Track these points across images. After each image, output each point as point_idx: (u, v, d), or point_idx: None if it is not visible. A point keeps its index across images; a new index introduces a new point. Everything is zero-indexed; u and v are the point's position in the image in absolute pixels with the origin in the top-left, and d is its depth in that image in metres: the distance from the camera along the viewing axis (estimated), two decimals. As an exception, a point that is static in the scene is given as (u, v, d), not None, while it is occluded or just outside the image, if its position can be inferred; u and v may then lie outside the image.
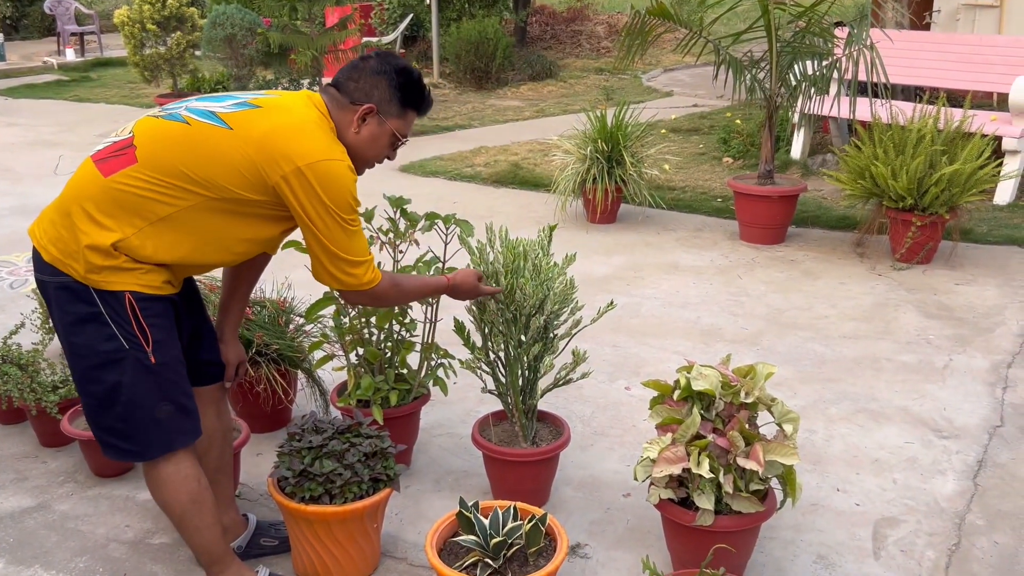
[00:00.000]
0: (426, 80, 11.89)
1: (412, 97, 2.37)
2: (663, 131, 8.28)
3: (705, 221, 6.18)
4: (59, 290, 2.19)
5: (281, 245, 2.45)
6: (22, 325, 3.67)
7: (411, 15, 11.97)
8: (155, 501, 2.36)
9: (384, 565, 2.66)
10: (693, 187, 6.91)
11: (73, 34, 14.78)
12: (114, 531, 2.83)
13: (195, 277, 2.57)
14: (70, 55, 14.35)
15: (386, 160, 2.45)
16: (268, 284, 3.80)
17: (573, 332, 2.83)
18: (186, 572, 2.63)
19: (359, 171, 2.34)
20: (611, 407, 3.61)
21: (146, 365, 2.20)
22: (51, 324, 3.89)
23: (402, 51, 11.76)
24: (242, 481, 3.03)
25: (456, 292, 2.68)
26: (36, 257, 2.23)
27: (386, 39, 11.13)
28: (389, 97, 2.32)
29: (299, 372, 3.39)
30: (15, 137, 9.15)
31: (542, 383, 2.88)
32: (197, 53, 9.21)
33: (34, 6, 17.02)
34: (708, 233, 5.91)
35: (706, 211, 6.36)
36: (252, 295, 3.47)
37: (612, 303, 2.90)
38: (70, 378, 3.28)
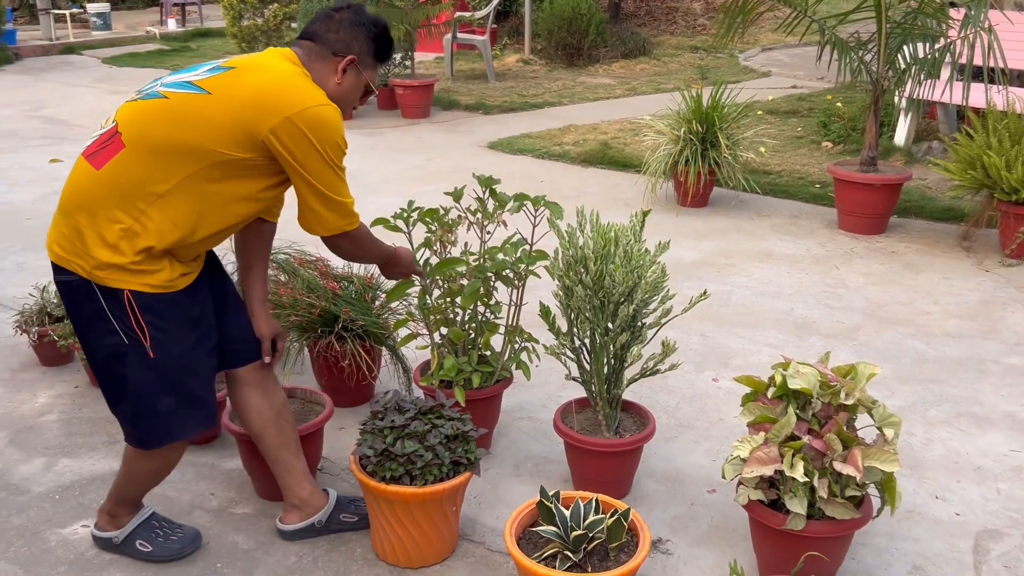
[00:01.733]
0: (517, 56, 11.82)
1: (385, 50, 2.44)
2: (760, 113, 8.04)
3: (801, 208, 5.97)
4: (68, 288, 2.26)
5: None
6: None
7: (505, -10, 11.89)
8: (127, 450, 2.47)
9: (461, 548, 2.64)
10: (790, 172, 6.69)
11: (175, 4, 15.15)
12: (199, 498, 2.88)
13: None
14: (171, 25, 14.72)
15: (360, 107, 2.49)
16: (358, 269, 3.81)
17: (663, 322, 2.74)
18: (267, 544, 2.65)
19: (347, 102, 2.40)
20: (697, 398, 3.51)
21: (146, 361, 2.26)
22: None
23: (494, 26, 11.68)
24: (324, 455, 3.04)
25: (393, 265, 2.72)
26: (51, 262, 2.30)
27: (479, 13, 11.06)
28: (367, 49, 2.38)
29: (383, 349, 3.39)
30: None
31: (628, 372, 2.81)
32: (293, 25, 9.31)
33: (140, -23, 17.50)
34: (804, 220, 5.71)
35: (803, 197, 6.14)
36: (341, 269, 3.50)
37: (705, 293, 2.80)
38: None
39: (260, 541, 2.67)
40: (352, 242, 2.46)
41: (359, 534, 2.68)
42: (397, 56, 9.15)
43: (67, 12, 13.91)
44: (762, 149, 6.26)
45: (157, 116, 2.19)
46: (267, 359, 2.62)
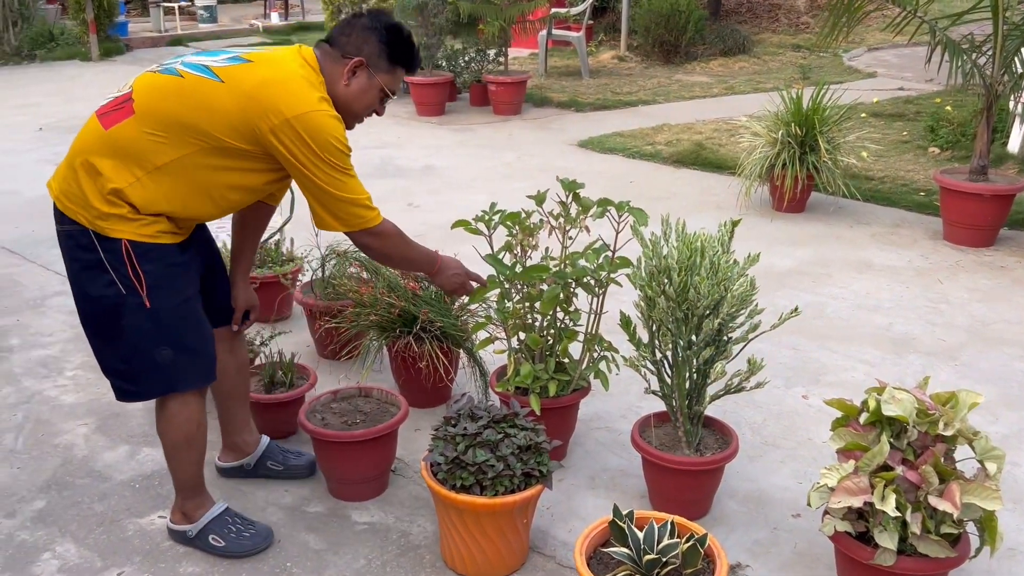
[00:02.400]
0: (612, 53, 11.68)
1: (400, 53, 2.45)
2: (863, 115, 7.72)
3: (904, 216, 5.70)
4: (67, 238, 2.35)
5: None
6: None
7: (602, -14, 11.76)
8: (156, 428, 2.54)
9: (532, 561, 2.58)
10: (893, 178, 6.40)
11: (278, -1, 15.50)
12: (273, 495, 2.89)
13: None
14: (274, 18, 15.06)
15: (380, 111, 2.50)
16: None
17: (750, 337, 2.62)
18: (337, 545, 2.64)
19: (348, 124, 2.42)
20: (785, 416, 3.36)
21: (143, 310, 2.33)
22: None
23: (590, 23, 11.56)
24: (398, 457, 3.02)
25: (440, 272, 2.71)
26: (54, 208, 2.38)
27: (574, 10, 10.95)
28: (378, 52, 2.41)
29: (461, 351, 3.35)
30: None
31: (711, 388, 2.69)
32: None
33: (246, -29, 17.94)
34: (907, 230, 5.45)
35: (906, 205, 5.86)
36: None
37: (796, 309, 2.67)
38: (244, 338, 3.39)
39: (330, 542, 2.66)
40: (379, 240, 2.48)
41: (430, 541, 2.65)
42: (491, 52, 9.14)
43: (176, 5, 14.37)
44: (864, 154, 6.00)
45: (169, 92, 2.29)
46: (235, 327, 2.79)
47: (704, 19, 11.51)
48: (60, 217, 2.36)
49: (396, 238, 2.53)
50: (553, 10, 10.30)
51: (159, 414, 2.52)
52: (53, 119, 8.48)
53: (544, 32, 10.23)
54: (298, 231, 4.18)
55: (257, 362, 3.35)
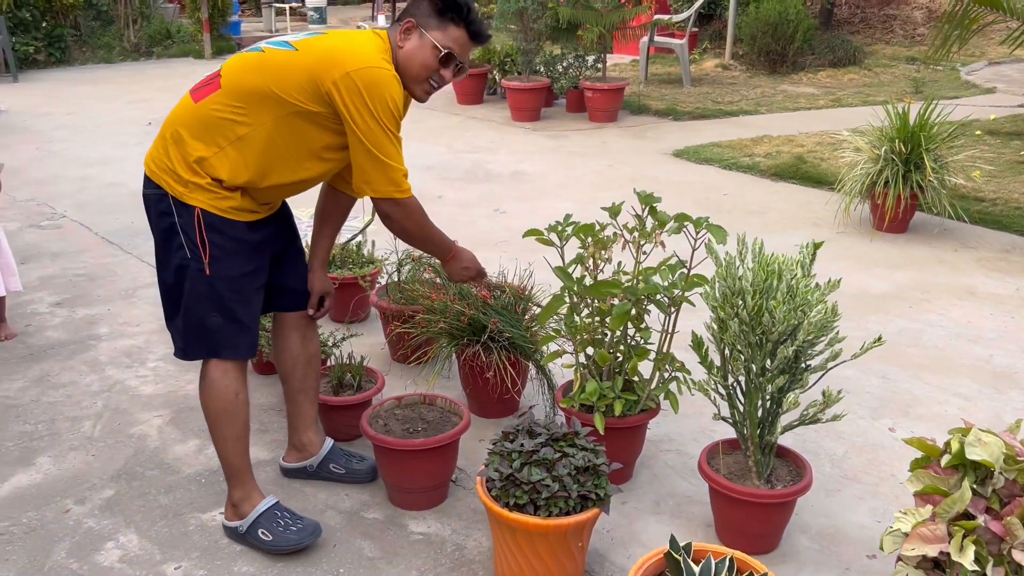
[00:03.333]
0: (716, 61, 11.46)
1: (448, 6, 2.48)
2: (977, 133, 7.34)
3: (1015, 241, 5.37)
4: (152, 201, 2.51)
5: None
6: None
7: (708, -7, 11.53)
8: (199, 399, 2.64)
9: (586, 585, 2.50)
10: (1006, 200, 6.03)
11: (387, 0, 15.74)
12: (333, 498, 2.88)
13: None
14: (381, 21, 15.32)
15: (449, 84, 2.64)
16: (511, 268, 3.73)
17: (828, 366, 2.48)
18: (392, 554, 2.61)
19: (414, 92, 2.54)
20: (869, 449, 3.18)
21: (203, 276, 2.48)
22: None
23: (694, 30, 11.34)
24: (460, 467, 2.98)
25: (454, 261, 2.82)
26: (143, 175, 2.55)
27: (679, 17, 10.77)
28: (428, 11, 2.49)
29: (530, 363, 3.28)
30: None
31: (785, 417, 2.56)
32: (492, 22, 9.40)
33: (357, -26, 18.33)
34: (1017, 256, 5.12)
35: (1018, 229, 5.52)
36: (493, 278, 3.43)
37: (880, 339, 2.51)
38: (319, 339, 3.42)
39: (385, 550, 2.64)
40: (403, 212, 2.57)
41: (483, 557, 2.60)
42: (590, 58, 9.06)
43: (287, 6, 14.77)
44: (976, 173, 5.67)
45: (252, 66, 2.46)
46: (311, 311, 2.87)
47: (813, 28, 11.16)
48: (147, 182, 2.53)
49: (418, 214, 2.62)
50: (656, 17, 10.15)
51: (201, 383, 2.62)
52: (162, 114, 8.79)
53: (646, 39, 10.08)
54: (380, 234, 4.20)
55: (329, 363, 3.36)
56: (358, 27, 14.92)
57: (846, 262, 4.93)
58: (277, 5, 14.50)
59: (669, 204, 2.95)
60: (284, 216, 2.77)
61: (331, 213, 2.92)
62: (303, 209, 3.64)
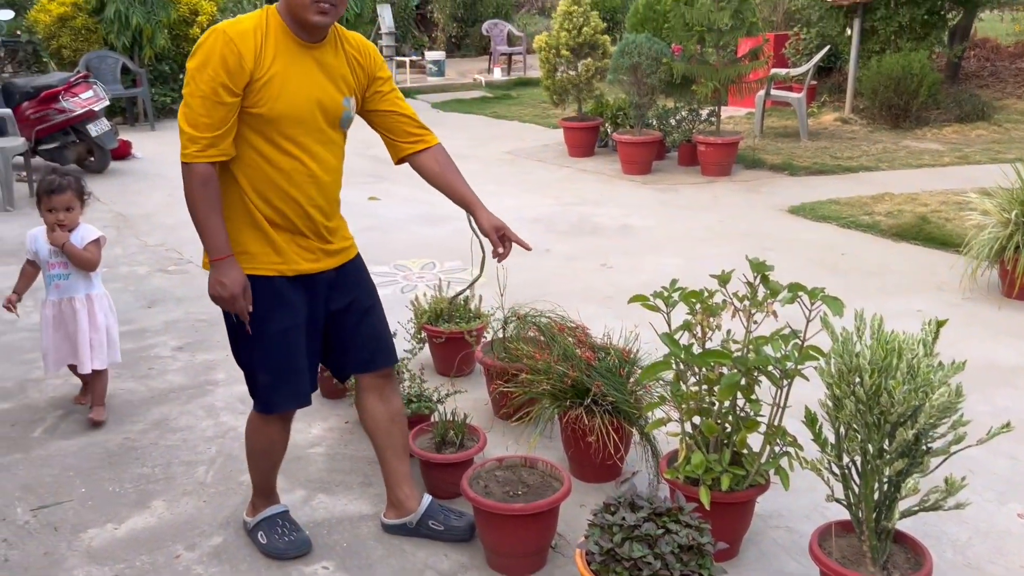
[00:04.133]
0: (835, 115, 11.19)
1: None
2: (1120, 194, 6.90)
3: None
4: None
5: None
6: (394, 334, 3.91)
7: (828, 46, 11.31)
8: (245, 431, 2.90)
9: (687, 668, 2.40)
10: None
11: (503, 54, 16.08)
12: (433, 558, 2.88)
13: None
14: (497, 74, 15.64)
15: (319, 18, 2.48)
16: (616, 330, 3.69)
17: (951, 451, 2.34)
18: (486, 620, 2.58)
19: (308, 19, 2.47)
20: (995, 536, 2.98)
21: (247, 336, 2.64)
22: (422, 335, 4.15)
23: (813, 83, 11.14)
24: (560, 532, 2.93)
25: (213, 270, 2.56)
26: None
27: (797, 71, 10.60)
28: None
29: (633, 429, 3.22)
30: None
31: (904, 502, 2.42)
32: (606, 77, 9.47)
33: (475, 27, 18.82)
34: None
35: None
36: (600, 339, 3.40)
37: (1008, 424, 2.35)
38: (424, 394, 3.46)
39: (481, 615, 2.61)
40: (184, 178, 2.51)
41: (579, 629, 2.53)
42: (704, 111, 9.00)
43: (408, 59, 15.26)
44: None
45: None
46: (499, 252, 2.82)
47: (939, 82, 10.79)
48: None
49: (193, 187, 2.49)
50: (773, 71, 10.01)
51: (248, 422, 2.87)
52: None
53: (762, 92, 9.95)
54: (488, 287, 4.24)
55: (433, 418, 3.38)
56: (474, 79, 15.27)
57: (972, 329, 4.69)
58: (398, 59, 15.00)
59: (782, 263, 2.88)
60: (346, 273, 2.78)
61: (435, 175, 2.88)
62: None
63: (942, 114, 10.93)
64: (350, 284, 2.79)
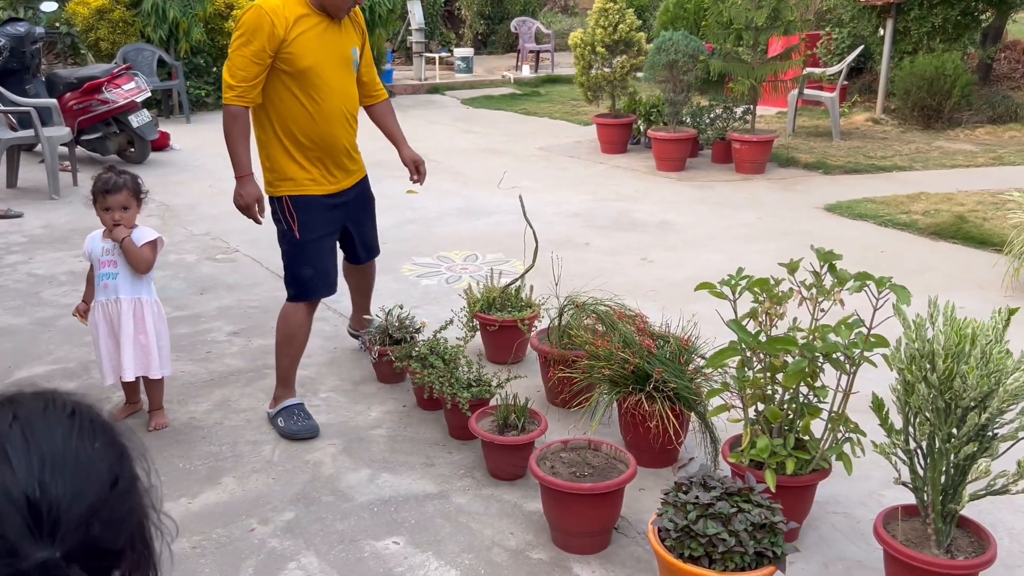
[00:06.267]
0: (866, 115, 11.20)
1: None
2: None
3: None
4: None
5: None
6: (450, 322, 4.00)
7: (861, 46, 11.31)
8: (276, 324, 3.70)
9: (755, 644, 2.47)
10: None
11: (531, 51, 16.14)
12: (499, 535, 2.96)
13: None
14: (525, 71, 15.70)
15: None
16: (675, 319, 3.76)
17: (1020, 436, 2.40)
18: (557, 595, 2.66)
19: (336, 14, 3.45)
20: (1052, 525, 3.03)
21: (294, 241, 3.55)
22: (475, 323, 4.23)
23: (845, 83, 11.14)
24: (623, 515, 3.00)
25: (238, 185, 3.48)
26: None
27: (830, 70, 10.62)
28: None
29: (693, 415, 3.29)
30: (469, 144, 10.17)
31: (970, 487, 2.48)
32: (639, 75, 9.51)
33: (502, 24, 18.88)
34: None
35: None
36: (659, 327, 3.47)
37: (1078, 411, 2.41)
38: (483, 378, 3.53)
39: (551, 591, 2.68)
40: (224, 116, 3.41)
41: (648, 605, 2.61)
42: (738, 109, 9.04)
43: (436, 56, 15.34)
44: None
45: None
46: (414, 179, 4.00)
47: (971, 83, 10.78)
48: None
49: (228, 123, 3.39)
50: (807, 70, 10.03)
51: (280, 314, 3.66)
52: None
53: (795, 91, 9.98)
54: (538, 277, 4.31)
55: (493, 402, 3.46)
56: (503, 76, 15.34)
57: (1016, 328, 4.71)
58: (427, 55, 15.08)
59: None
60: (360, 192, 3.79)
61: (378, 119, 4.00)
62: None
63: (974, 115, 10.91)
64: (362, 203, 3.84)
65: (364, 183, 3.84)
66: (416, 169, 3.94)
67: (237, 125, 3.38)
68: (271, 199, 3.54)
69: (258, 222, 3.56)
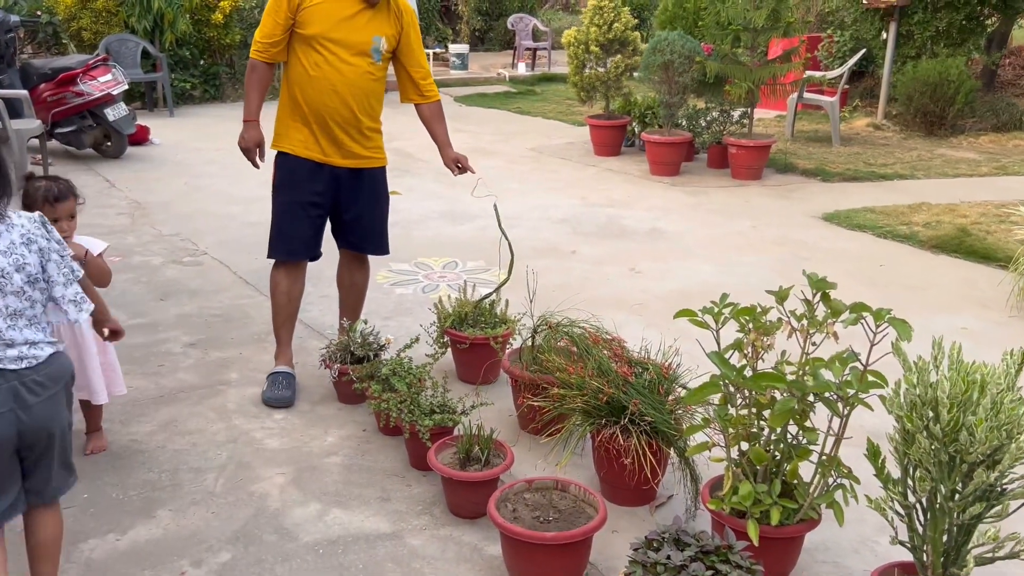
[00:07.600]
0: (867, 120, 10.93)
1: None
2: None
3: None
4: None
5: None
6: (416, 339, 3.72)
7: (863, 50, 11.02)
8: None
9: None
10: None
11: (527, 49, 15.86)
12: (455, 584, 2.69)
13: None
14: (521, 68, 15.41)
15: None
16: (659, 337, 3.49)
17: (1033, 495, 2.13)
18: (513, 657, 2.39)
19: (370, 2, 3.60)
20: (1062, 582, 2.76)
21: (273, 196, 3.80)
22: (445, 339, 3.95)
23: (846, 87, 10.86)
24: (592, 561, 2.73)
25: (243, 128, 3.74)
26: None
27: (831, 74, 10.35)
28: None
29: (672, 451, 3.02)
30: (458, 143, 9.71)
31: (976, 550, 2.21)
32: (635, 75, 9.23)
33: (499, 21, 18.58)
34: None
35: None
36: (637, 353, 3.20)
37: (1099, 468, 2.14)
38: (447, 404, 3.26)
39: (506, 652, 2.41)
40: (247, 67, 3.73)
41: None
42: (735, 112, 8.77)
43: (431, 52, 15.04)
44: None
45: None
46: (456, 172, 3.96)
47: (975, 90, 10.51)
48: None
49: (248, 73, 3.73)
50: (807, 74, 9.76)
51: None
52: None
53: (795, 95, 9.71)
54: (513, 291, 4.04)
55: (458, 430, 3.19)
56: (498, 74, 15.06)
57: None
58: (421, 50, 14.81)
59: (818, 273, 2.66)
60: (365, 176, 3.81)
61: (428, 123, 4.00)
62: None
63: (978, 122, 10.64)
64: (365, 187, 3.81)
65: (371, 173, 3.84)
66: (458, 167, 3.93)
67: (254, 76, 3.70)
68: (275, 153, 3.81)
69: (256, 166, 3.79)
